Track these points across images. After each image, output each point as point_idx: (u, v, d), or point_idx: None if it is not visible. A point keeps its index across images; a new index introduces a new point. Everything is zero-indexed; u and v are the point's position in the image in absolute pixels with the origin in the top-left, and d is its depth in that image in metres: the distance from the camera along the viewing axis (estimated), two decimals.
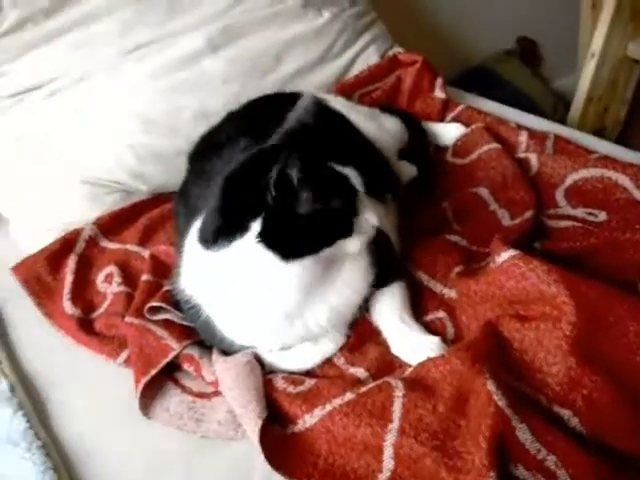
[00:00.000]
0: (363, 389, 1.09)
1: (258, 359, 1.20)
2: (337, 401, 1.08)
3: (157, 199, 1.64)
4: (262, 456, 1.04)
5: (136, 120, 1.62)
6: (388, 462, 1.01)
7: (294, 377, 1.17)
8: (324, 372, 1.19)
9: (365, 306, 1.21)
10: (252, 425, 1.07)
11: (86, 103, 1.63)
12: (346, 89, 1.84)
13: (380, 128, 1.56)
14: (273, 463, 1.04)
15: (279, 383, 1.15)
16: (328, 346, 1.20)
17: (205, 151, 1.44)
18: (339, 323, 1.19)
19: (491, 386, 1.01)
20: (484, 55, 2.77)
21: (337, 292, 1.16)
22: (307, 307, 1.13)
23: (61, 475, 1.12)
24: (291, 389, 1.14)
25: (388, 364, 1.18)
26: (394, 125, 1.63)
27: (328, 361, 1.20)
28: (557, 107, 2.82)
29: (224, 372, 1.17)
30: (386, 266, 1.22)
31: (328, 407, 1.08)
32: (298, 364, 1.20)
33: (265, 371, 1.18)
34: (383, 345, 1.21)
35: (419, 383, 1.08)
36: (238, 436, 1.12)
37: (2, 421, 1.19)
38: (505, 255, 1.17)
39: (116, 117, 1.63)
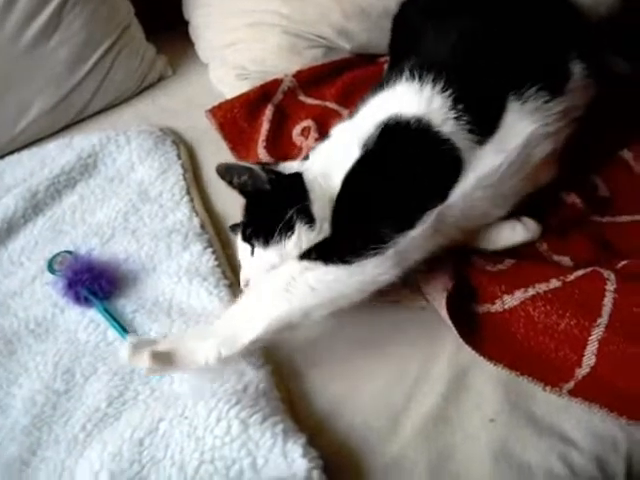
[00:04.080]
0: (570, 277, 1.02)
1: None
2: (541, 286, 1.02)
3: (359, 59, 1.56)
4: (452, 329, 1.01)
5: None
6: (589, 358, 0.95)
7: (492, 256, 1.10)
8: (524, 256, 1.11)
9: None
10: (439, 298, 1.03)
11: None
12: None
13: None
14: (464, 337, 1.00)
15: (476, 260, 1.09)
16: (524, 230, 1.11)
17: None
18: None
19: None
20: None
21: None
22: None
23: None
24: (489, 267, 1.08)
25: (596, 256, 1.09)
26: None
27: (529, 246, 1.11)
28: None
29: None
30: None
31: (531, 291, 1.02)
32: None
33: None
34: (591, 236, 1.12)
35: (635, 277, 1.00)
36: (429, 306, 1.08)
37: (192, 255, 1.22)
38: None
39: None
